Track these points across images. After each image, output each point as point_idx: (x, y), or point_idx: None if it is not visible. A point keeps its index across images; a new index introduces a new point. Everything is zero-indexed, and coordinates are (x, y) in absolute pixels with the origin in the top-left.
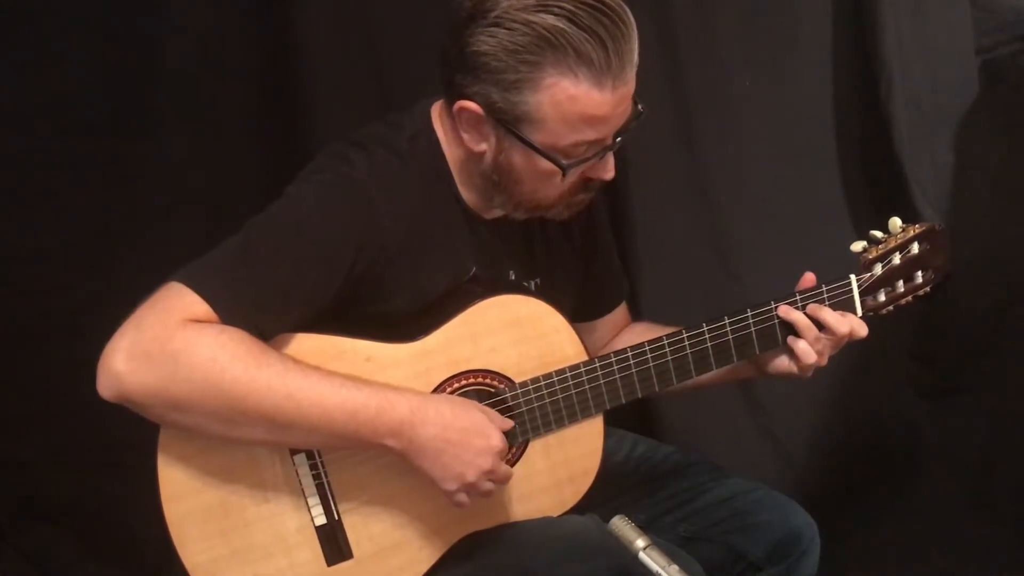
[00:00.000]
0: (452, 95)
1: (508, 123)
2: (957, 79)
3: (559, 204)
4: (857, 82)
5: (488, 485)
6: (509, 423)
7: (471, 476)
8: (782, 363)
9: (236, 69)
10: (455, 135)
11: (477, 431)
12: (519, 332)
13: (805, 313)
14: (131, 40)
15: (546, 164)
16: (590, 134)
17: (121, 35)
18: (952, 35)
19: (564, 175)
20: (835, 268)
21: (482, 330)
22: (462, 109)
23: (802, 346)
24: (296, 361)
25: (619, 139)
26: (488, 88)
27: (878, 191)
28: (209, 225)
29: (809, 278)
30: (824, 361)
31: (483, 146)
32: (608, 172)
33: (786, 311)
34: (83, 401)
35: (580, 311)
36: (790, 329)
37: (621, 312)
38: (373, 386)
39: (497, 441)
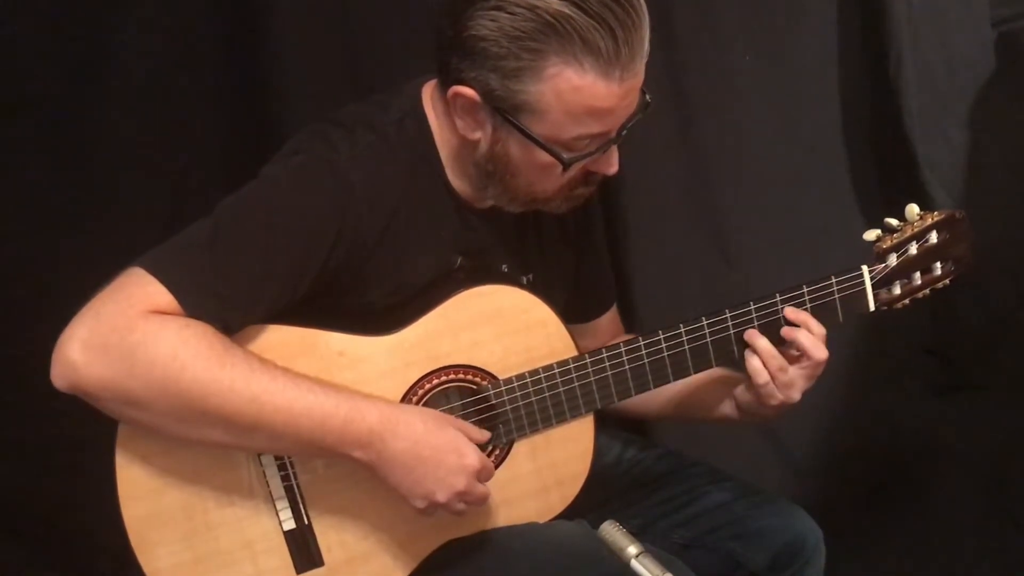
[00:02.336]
0: (447, 79)
1: (506, 112)
2: (971, 53)
3: (557, 198)
4: (864, 56)
5: (460, 506)
6: (485, 435)
7: (441, 496)
8: (744, 393)
9: (200, 45)
10: (448, 119)
11: (450, 448)
12: (503, 325)
13: (780, 334)
14: (87, 10)
15: (546, 157)
16: (594, 127)
17: (76, 5)
18: (966, 5)
19: (565, 169)
20: (843, 257)
21: (463, 322)
22: (457, 94)
23: (755, 364)
24: (263, 361)
25: (624, 132)
26: (486, 75)
27: (887, 173)
28: (170, 211)
29: None
30: (795, 396)
31: (478, 134)
32: (611, 167)
33: (752, 335)
34: (34, 399)
35: (568, 313)
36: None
37: (611, 318)
38: (343, 392)
39: (472, 460)
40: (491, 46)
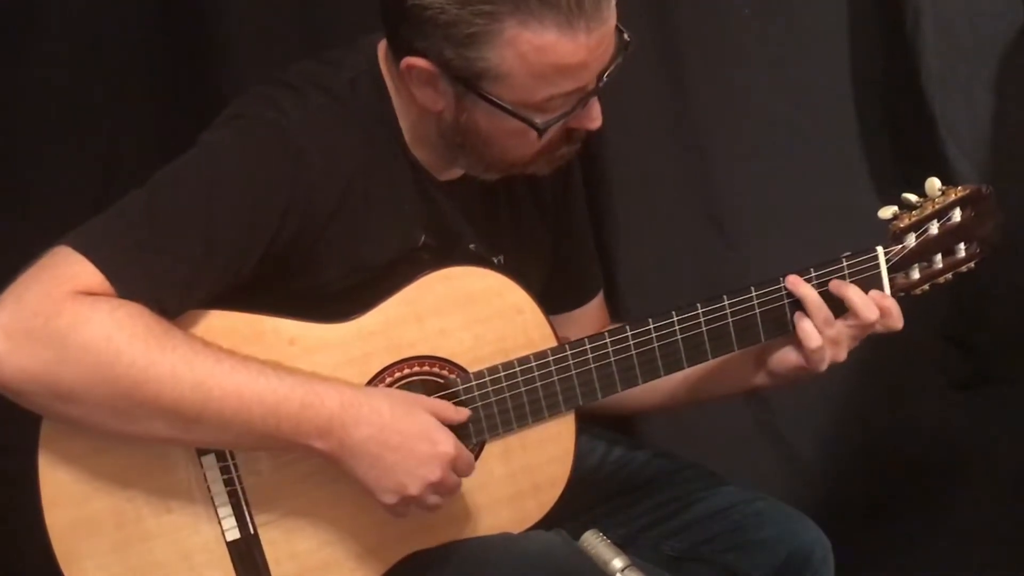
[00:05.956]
0: (398, 50)
1: (468, 81)
2: (998, 5)
3: (539, 161)
4: (878, 10)
5: (434, 499)
6: (463, 413)
7: (413, 488)
8: (787, 357)
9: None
10: (407, 90)
11: (422, 434)
12: (474, 311)
13: (828, 290)
14: None
15: (517, 124)
16: (566, 85)
17: None
18: None
19: (540, 135)
20: (854, 236)
21: (429, 308)
22: (411, 66)
23: (806, 327)
24: (206, 344)
25: (604, 80)
26: (439, 43)
27: (902, 141)
28: (100, 185)
29: None
30: (841, 355)
31: (440, 105)
32: (594, 121)
33: (795, 282)
34: None
35: (548, 301)
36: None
37: (597, 306)
38: (298, 376)
39: (446, 447)
40: (438, 14)
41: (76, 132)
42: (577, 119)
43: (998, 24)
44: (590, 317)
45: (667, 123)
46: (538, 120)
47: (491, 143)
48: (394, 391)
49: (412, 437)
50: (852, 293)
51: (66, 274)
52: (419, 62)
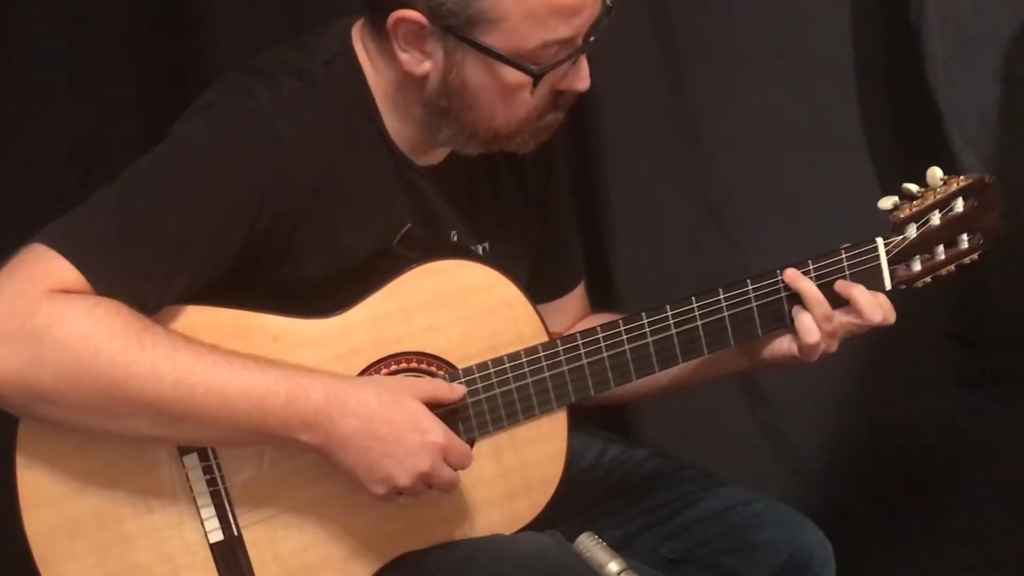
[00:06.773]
0: (385, 7)
1: (460, 29)
2: None
3: (524, 131)
4: None
5: (425, 490)
6: (458, 392)
7: (403, 479)
8: (779, 345)
9: None
10: (385, 59)
11: (410, 424)
12: (463, 307)
13: (834, 288)
14: None
15: (511, 75)
16: (561, 30)
17: None
18: None
19: (535, 85)
20: (857, 229)
21: (417, 303)
22: (400, 21)
23: (806, 321)
24: (188, 339)
25: (591, 39)
26: None
27: (907, 132)
28: (78, 174)
29: None
30: (833, 347)
31: (426, 66)
32: (582, 80)
33: (793, 276)
34: None
35: (530, 290)
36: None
37: (579, 296)
38: (283, 369)
39: (436, 437)
40: None
41: (51, 122)
42: (567, 79)
43: (1004, 13)
44: (571, 307)
45: (665, 115)
46: (534, 68)
47: (479, 105)
48: (383, 379)
49: (400, 427)
50: (858, 293)
51: (41, 272)
52: (409, 14)
